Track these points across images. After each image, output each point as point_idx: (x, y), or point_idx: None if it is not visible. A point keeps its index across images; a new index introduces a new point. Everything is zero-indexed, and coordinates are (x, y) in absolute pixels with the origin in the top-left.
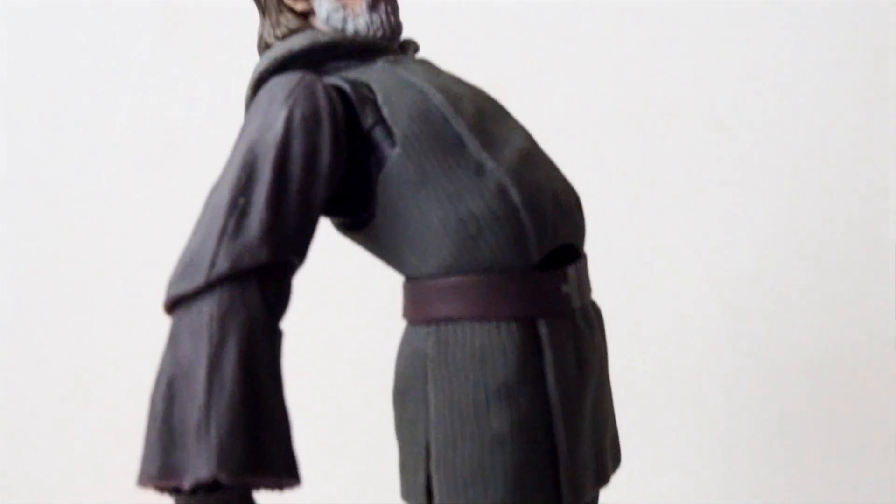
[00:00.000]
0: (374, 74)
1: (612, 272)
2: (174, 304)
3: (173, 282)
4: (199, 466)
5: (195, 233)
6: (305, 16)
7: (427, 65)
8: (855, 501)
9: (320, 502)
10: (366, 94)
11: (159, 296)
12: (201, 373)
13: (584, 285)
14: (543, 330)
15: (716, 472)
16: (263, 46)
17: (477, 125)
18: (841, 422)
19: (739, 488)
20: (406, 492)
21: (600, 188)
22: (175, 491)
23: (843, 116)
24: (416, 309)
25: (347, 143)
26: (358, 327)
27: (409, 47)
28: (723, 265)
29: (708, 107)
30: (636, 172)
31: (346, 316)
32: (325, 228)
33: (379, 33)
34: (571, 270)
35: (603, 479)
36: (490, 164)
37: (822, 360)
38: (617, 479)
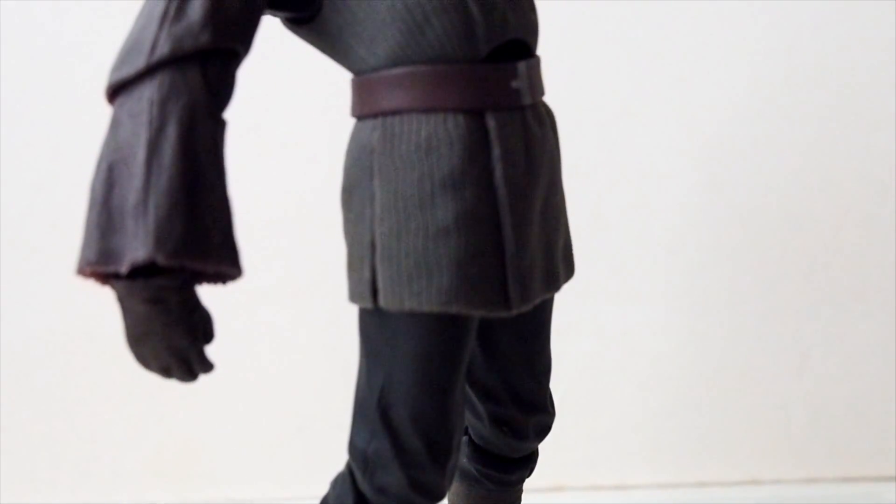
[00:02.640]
0: None
1: (584, 114)
2: (115, 92)
3: (114, 68)
4: (136, 247)
5: (137, 21)
6: None
7: None
8: (843, 350)
9: None
10: None
11: None
12: (140, 155)
13: (535, 84)
14: (491, 123)
15: (686, 323)
16: None
17: None
18: (826, 270)
19: (709, 339)
20: (353, 292)
21: (571, 26)
22: (115, 278)
23: None
24: (363, 103)
25: None
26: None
27: None
28: (702, 106)
29: None
30: (608, 9)
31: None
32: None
33: None
34: (522, 66)
35: (554, 284)
36: None
37: (807, 208)
38: (585, 331)
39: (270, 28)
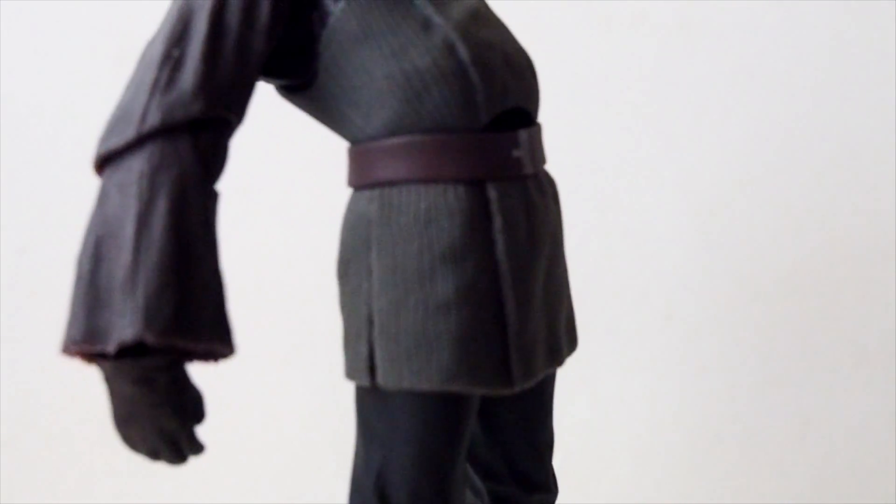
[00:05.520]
0: None
1: (581, 181)
2: (104, 163)
3: (103, 139)
4: (124, 326)
5: (127, 89)
6: None
7: None
8: (845, 417)
9: None
10: None
11: None
12: (129, 230)
13: (537, 152)
14: (493, 194)
15: (686, 390)
16: None
17: None
18: (826, 336)
19: (709, 406)
20: (349, 369)
21: (568, 94)
22: (101, 357)
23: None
24: (360, 173)
25: None
26: None
27: None
28: (698, 173)
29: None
30: (605, 77)
31: None
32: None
33: None
34: (523, 135)
35: (557, 358)
36: (437, 19)
37: (805, 275)
38: (583, 399)
39: (265, 95)
